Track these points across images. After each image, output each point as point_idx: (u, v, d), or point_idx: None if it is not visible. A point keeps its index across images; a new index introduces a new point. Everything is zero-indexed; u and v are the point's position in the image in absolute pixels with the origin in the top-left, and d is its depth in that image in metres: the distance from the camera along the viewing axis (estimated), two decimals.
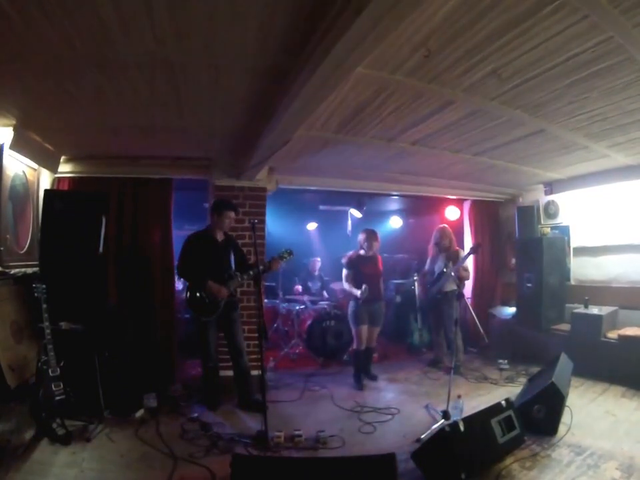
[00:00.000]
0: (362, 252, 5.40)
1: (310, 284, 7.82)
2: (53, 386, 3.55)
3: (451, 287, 5.68)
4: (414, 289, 6.79)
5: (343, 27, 1.91)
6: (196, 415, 4.12)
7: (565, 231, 6.55)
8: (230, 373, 4.60)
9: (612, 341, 5.15)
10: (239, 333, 4.49)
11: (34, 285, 3.66)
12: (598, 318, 5.34)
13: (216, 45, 2.52)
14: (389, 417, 4.25)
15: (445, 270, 5.54)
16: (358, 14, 1.78)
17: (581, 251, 6.36)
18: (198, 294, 4.29)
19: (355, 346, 5.39)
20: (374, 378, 5.48)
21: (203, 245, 4.41)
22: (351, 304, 5.35)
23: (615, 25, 2.32)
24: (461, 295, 5.37)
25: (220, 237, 4.50)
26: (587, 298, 5.72)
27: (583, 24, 2.30)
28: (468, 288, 7.09)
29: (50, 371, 3.57)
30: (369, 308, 5.23)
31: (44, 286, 3.66)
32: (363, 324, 5.23)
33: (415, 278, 6.86)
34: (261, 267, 4.24)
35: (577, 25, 2.30)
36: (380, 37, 2.01)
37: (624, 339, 5.01)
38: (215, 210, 4.47)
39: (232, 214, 4.47)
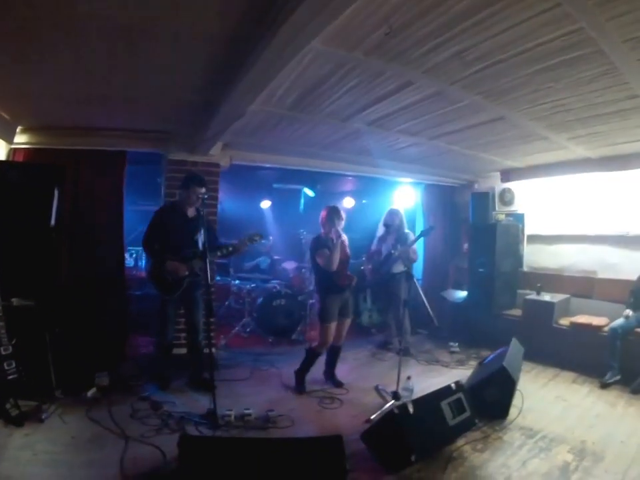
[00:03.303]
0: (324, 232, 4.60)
1: (260, 259, 7.75)
2: (5, 365, 3.42)
3: (400, 268, 5.59)
4: (363, 269, 6.76)
5: None
6: (147, 393, 4.05)
7: (519, 218, 6.67)
8: (182, 350, 4.57)
9: (564, 327, 5.31)
10: (198, 312, 4.40)
11: None
12: (550, 305, 5.49)
13: (178, 11, 2.35)
14: (339, 397, 4.25)
15: (393, 251, 5.51)
16: None
17: (535, 239, 6.52)
18: (160, 271, 4.15)
19: (316, 345, 4.48)
20: (339, 384, 4.56)
21: (171, 219, 4.26)
22: (317, 297, 4.57)
23: (588, 16, 2.28)
24: (410, 276, 5.17)
25: (191, 213, 4.34)
26: (539, 285, 5.85)
27: (555, 11, 2.24)
28: (418, 270, 7.18)
29: (2, 349, 3.42)
30: (342, 297, 4.44)
31: None
32: (333, 320, 4.37)
33: (364, 258, 6.83)
34: (230, 248, 4.30)
35: (548, 12, 2.24)
36: (341, 6, 1.92)
37: (575, 326, 5.18)
38: (183, 184, 4.31)
39: (201, 190, 4.23)
